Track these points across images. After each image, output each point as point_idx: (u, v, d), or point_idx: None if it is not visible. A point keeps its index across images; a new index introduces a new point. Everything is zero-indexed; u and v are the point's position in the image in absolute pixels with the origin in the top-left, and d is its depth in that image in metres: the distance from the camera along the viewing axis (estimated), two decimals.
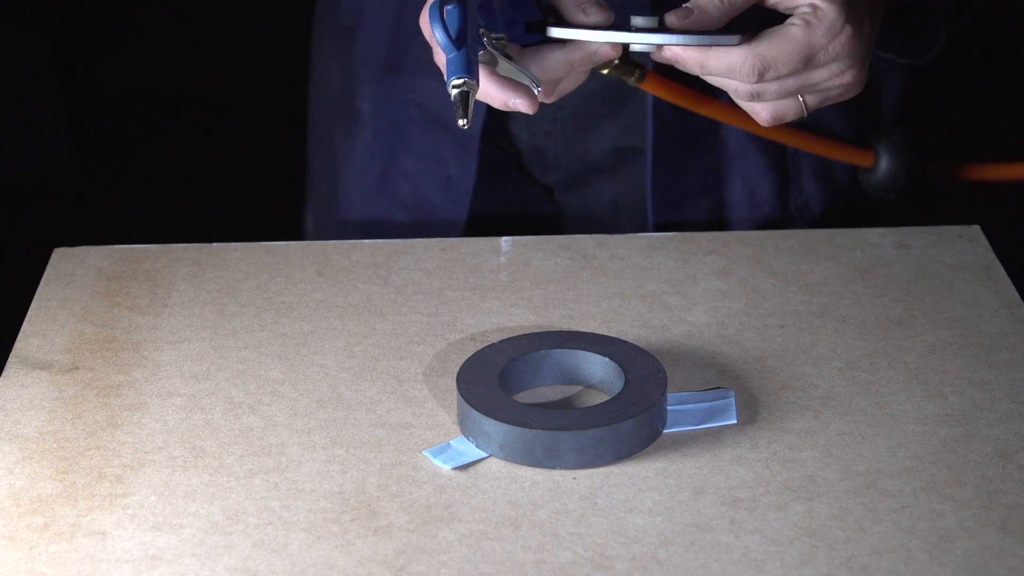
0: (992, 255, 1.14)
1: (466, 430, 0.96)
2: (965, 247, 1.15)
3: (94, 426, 0.98)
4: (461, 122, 0.91)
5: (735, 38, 0.96)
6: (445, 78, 0.93)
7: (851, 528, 0.88)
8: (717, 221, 1.30)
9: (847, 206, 1.32)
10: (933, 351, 1.04)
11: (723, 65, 0.97)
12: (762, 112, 1.00)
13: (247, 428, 0.97)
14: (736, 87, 0.99)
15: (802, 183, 1.31)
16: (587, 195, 1.35)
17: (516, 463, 0.93)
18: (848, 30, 0.97)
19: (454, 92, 0.92)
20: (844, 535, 0.87)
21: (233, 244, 1.18)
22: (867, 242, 1.16)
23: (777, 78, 0.97)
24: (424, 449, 0.95)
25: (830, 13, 0.97)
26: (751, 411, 0.98)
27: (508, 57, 0.97)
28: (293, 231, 1.49)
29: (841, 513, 0.89)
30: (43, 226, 2.67)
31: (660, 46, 0.97)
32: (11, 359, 1.04)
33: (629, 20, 0.97)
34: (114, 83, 3.09)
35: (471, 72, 0.92)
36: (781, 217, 1.30)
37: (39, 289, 1.12)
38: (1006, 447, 0.94)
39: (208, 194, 2.83)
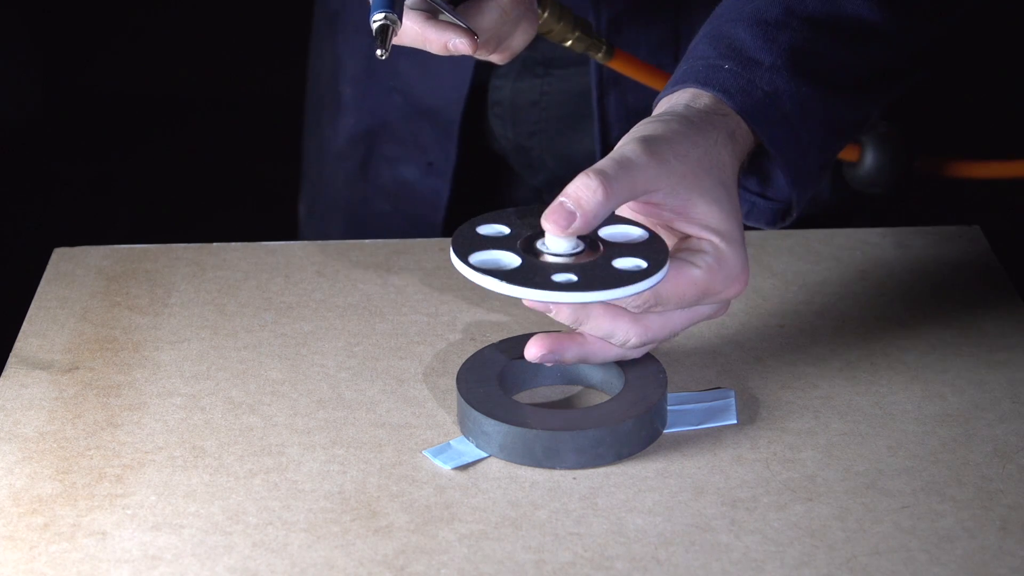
0: (992, 255, 1.14)
1: (466, 430, 0.96)
2: (965, 247, 1.15)
3: (94, 426, 0.98)
4: (379, 52, 0.91)
5: (656, 278, 0.90)
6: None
7: (851, 528, 0.88)
8: None
9: (824, 212, 1.31)
10: (933, 351, 1.04)
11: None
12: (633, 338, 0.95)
13: (247, 428, 0.97)
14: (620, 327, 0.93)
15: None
16: None
17: (516, 463, 0.93)
18: (744, 277, 0.93)
19: (375, 26, 0.93)
20: (844, 535, 0.87)
21: (233, 244, 1.18)
22: (867, 242, 1.16)
23: (663, 312, 0.93)
24: (424, 449, 0.95)
25: (731, 259, 0.92)
26: (751, 411, 0.98)
27: (446, 8, 0.97)
28: (293, 231, 1.49)
29: (841, 513, 0.89)
30: (43, 226, 2.67)
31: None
32: (11, 359, 1.04)
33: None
34: (114, 83, 3.09)
35: (393, 7, 0.93)
36: None
37: (39, 289, 1.12)
38: (1006, 447, 0.94)
39: (207, 194, 2.83)
